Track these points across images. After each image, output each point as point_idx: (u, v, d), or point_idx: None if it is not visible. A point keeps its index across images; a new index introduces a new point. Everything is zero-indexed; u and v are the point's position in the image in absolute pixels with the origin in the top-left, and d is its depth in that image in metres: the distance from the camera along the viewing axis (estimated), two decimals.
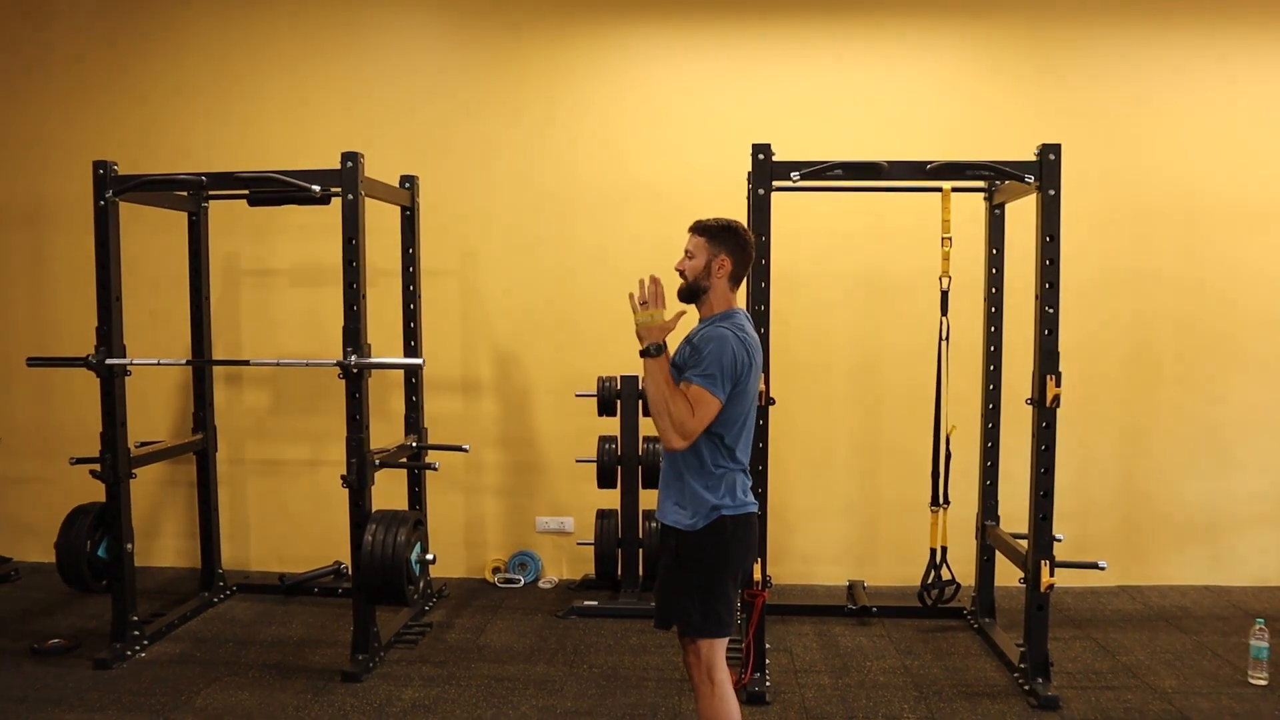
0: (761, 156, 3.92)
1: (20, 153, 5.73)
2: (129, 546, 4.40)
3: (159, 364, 4.45)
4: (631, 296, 2.93)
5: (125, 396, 4.38)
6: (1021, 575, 4.08)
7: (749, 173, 4.18)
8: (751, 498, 2.99)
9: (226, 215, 5.21)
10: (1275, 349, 5.43)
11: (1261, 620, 4.17)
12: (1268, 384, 5.45)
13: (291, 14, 5.57)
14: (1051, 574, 3.92)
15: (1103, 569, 4.29)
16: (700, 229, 3.02)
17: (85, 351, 4.32)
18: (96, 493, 4.46)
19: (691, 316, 3.00)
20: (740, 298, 3.14)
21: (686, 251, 3.03)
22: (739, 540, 2.94)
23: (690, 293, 3.03)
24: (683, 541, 2.94)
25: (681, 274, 3.03)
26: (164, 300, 5.45)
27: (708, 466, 2.91)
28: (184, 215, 5.00)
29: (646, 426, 5.09)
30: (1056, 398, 3.89)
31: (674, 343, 2.95)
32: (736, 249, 3.00)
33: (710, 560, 2.91)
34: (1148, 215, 5.39)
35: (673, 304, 2.99)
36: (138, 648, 4.40)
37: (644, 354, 2.85)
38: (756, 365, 2.94)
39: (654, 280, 2.92)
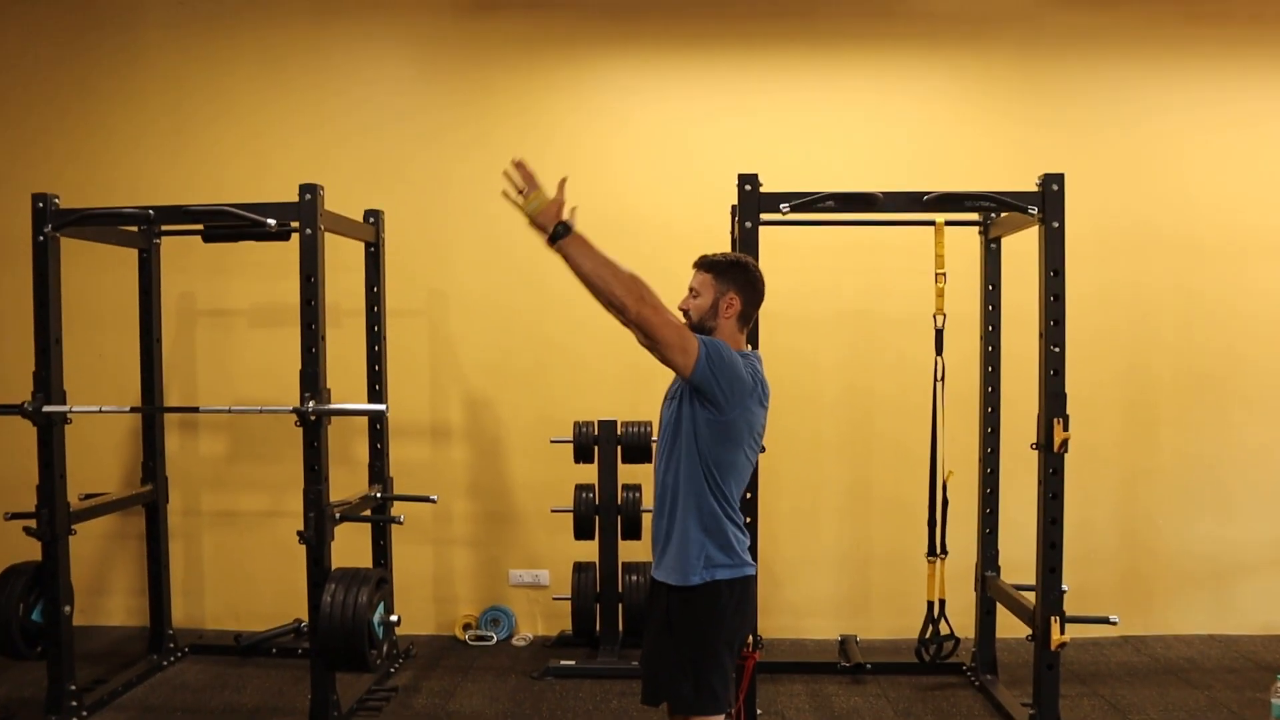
0: (749, 188, 3.71)
1: None
2: (67, 609, 4.06)
3: (101, 411, 4.14)
4: (506, 194, 2.59)
5: (64, 446, 4.08)
6: (1029, 633, 3.83)
7: (733, 206, 3.96)
8: (749, 557, 2.72)
9: (181, 252, 4.94)
10: (1276, 387, 5.24)
11: None
12: (1270, 424, 5.26)
13: (253, 43, 5.34)
14: (1062, 631, 3.68)
15: (1114, 623, 4.04)
16: (706, 264, 2.78)
17: (26, 397, 4.01)
18: (38, 549, 4.12)
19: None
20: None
21: (691, 289, 2.79)
22: (736, 607, 2.67)
23: (696, 333, 2.78)
24: (674, 605, 2.67)
25: (686, 314, 2.78)
26: (116, 342, 5.15)
27: (706, 508, 2.64)
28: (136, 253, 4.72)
29: (626, 474, 4.82)
30: (1065, 443, 3.66)
31: None
32: (746, 286, 2.76)
33: (704, 629, 2.64)
34: (1144, 249, 5.22)
35: None
36: None
37: (555, 239, 2.49)
38: (763, 407, 2.69)
39: (518, 163, 2.57)
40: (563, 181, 2.58)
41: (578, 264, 2.48)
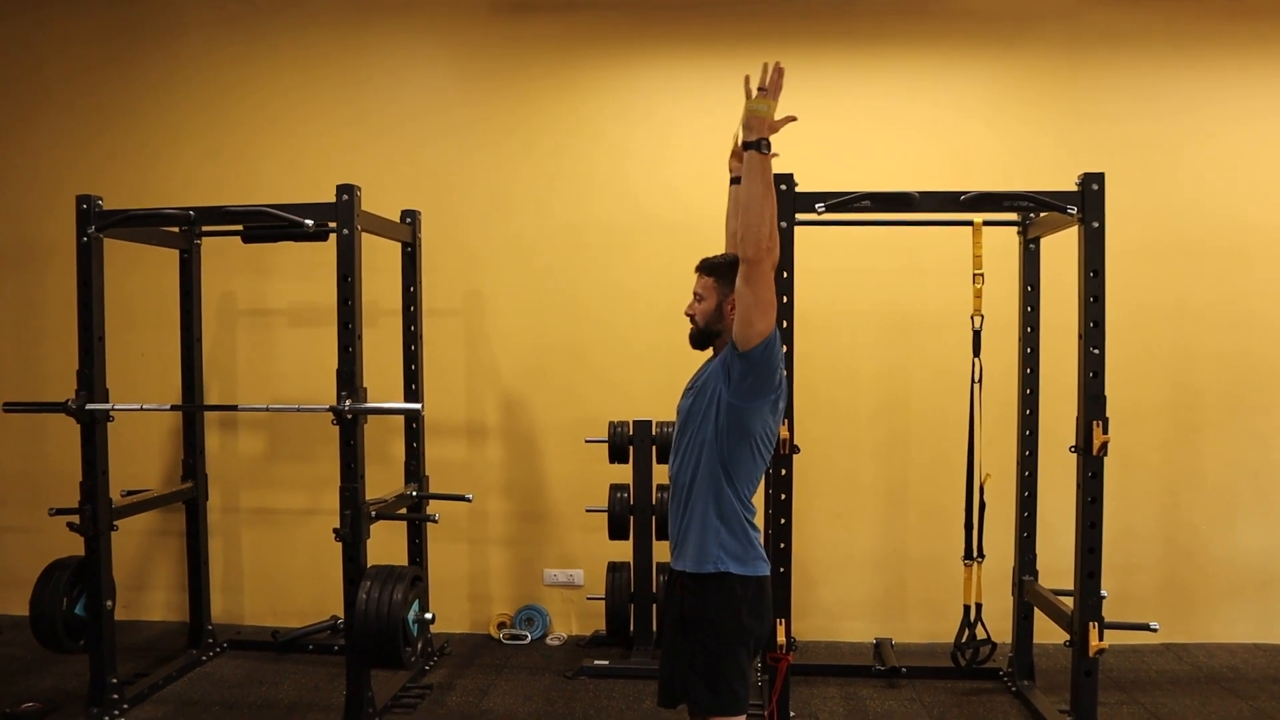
0: (784, 187, 3.68)
1: (12, 192, 5.54)
2: (109, 604, 4.12)
3: (142, 409, 4.20)
4: (747, 79, 2.68)
5: (107, 443, 4.14)
6: (1067, 639, 3.78)
7: None
8: (763, 555, 2.71)
9: (221, 253, 5.00)
10: None
11: None
12: None
13: (291, 46, 5.39)
14: (1100, 637, 3.62)
15: (1154, 630, 3.98)
16: (708, 268, 2.78)
17: (70, 395, 4.08)
18: (81, 545, 4.17)
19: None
20: None
21: (695, 294, 2.80)
22: (751, 608, 2.65)
23: (702, 338, 2.79)
24: (688, 600, 2.68)
25: (691, 318, 2.80)
26: (157, 342, 5.25)
27: (724, 497, 2.65)
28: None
29: (661, 474, 4.81)
30: (1104, 445, 3.61)
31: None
32: None
33: (719, 627, 2.63)
34: (1188, 250, 5.11)
35: (682, 347, 2.73)
36: (116, 712, 4.12)
37: (748, 146, 2.56)
38: (777, 412, 2.68)
39: (779, 69, 2.64)
40: (790, 117, 2.67)
41: (754, 178, 2.53)
